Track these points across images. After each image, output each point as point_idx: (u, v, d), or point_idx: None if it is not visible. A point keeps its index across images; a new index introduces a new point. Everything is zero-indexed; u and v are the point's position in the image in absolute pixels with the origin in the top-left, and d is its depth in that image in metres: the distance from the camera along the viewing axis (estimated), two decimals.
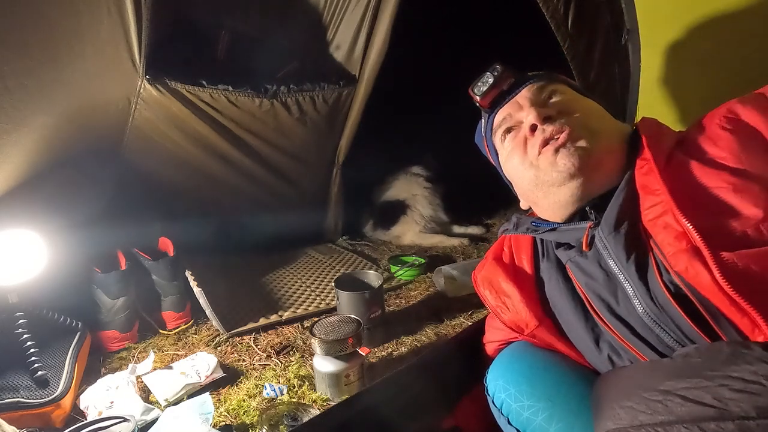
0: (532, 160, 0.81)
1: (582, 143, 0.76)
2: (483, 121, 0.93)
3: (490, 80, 0.86)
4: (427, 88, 2.63)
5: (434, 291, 1.68)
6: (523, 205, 0.93)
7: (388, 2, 1.66)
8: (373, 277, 1.47)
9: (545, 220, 0.87)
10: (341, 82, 1.79)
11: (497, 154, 0.91)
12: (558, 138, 0.77)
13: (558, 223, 0.83)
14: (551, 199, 0.81)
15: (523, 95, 0.85)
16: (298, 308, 1.55)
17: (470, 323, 1.42)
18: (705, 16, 1.21)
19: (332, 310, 1.51)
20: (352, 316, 1.21)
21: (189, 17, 1.72)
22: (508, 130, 0.86)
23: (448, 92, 1.74)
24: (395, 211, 2.24)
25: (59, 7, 1.04)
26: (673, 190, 0.65)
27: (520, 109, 0.84)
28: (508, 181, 0.93)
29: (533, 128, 0.80)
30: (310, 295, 1.65)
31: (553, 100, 0.83)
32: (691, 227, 0.60)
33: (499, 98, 0.87)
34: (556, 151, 0.76)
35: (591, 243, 0.75)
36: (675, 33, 1.30)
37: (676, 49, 1.31)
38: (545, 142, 0.78)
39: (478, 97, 0.87)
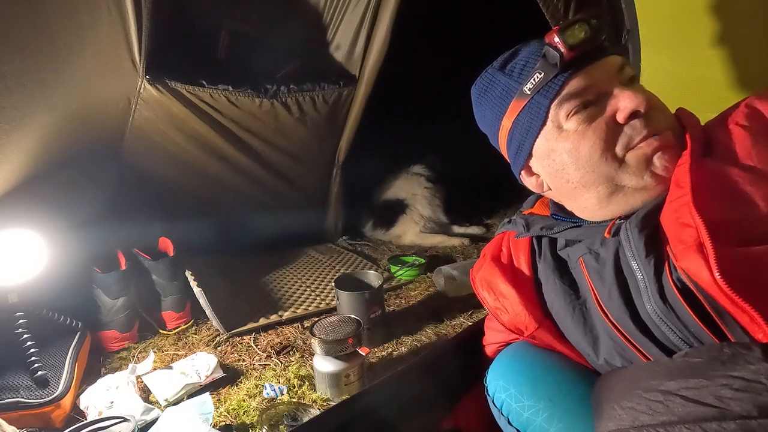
0: (619, 151, 0.69)
1: (679, 150, 0.68)
2: (518, 81, 0.76)
3: (587, 31, 0.68)
4: (428, 88, 2.64)
5: (434, 291, 1.68)
6: (552, 193, 0.82)
7: (388, 2, 1.67)
8: (373, 277, 1.47)
9: (568, 216, 0.80)
10: (341, 82, 1.79)
11: (540, 123, 0.74)
12: (664, 138, 0.68)
13: (585, 220, 0.78)
14: (612, 200, 0.72)
15: (612, 67, 0.72)
16: (298, 308, 1.55)
17: (470, 323, 1.42)
18: (705, 16, 1.21)
19: (332, 310, 1.50)
20: (352, 316, 1.20)
21: (189, 17, 1.72)
22: (586, 105, 0.70)
23: (449, 92, 1.74)
24: (395, 210, 2.24)
25: (59, 7, 1.04)
26: (695, 184, 0.62)
27: (607, 82, 0.71)
28: (529, 157, 0.78)
29: (635, 115, 0.68)
30: (310, 295, 1.65)
31: (636, 85, 0.73)
32: (701, 222, 0.59)
33: (582, 57, 0.70)
34: (662, 151, 0.68)
35: (614, 233, 0.71)
36: (675, 33, 1.31)
37: (676, 49, 1.31)
38: (644, 139, 0.68)
39: (565, 46, 0.68)
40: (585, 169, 0.71)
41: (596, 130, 0.69)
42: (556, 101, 0.72)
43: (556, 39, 0.69)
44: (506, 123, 0.78)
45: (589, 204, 0.75)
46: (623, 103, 0.68)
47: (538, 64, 0.73)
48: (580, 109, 0.70)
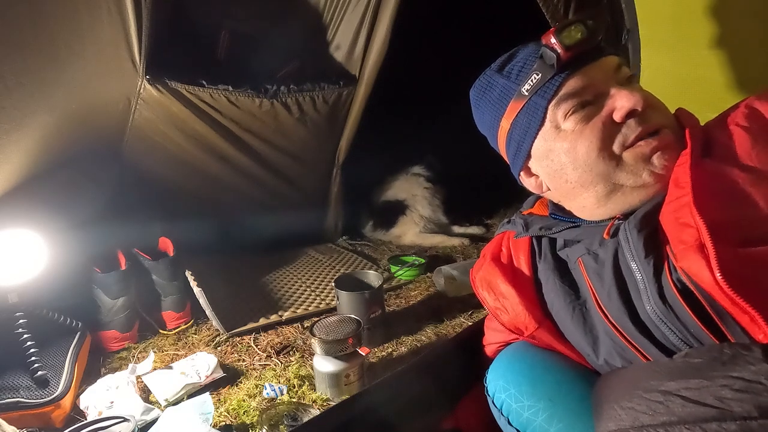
0: (616, 150, 0.69)
1: (678, 149, 0.69)
2: (516, 83, 0.76)
3: (583, 32, 0.69)
4: (428, 88, 2.63)
5: (434, 291, 1.68)
6: (551, 194, 0.81)
7: (388, 2, 1.67)
8: (373, 277, 1.47)
9: (567, 215, 0.80)
10: (341, 82, 1.79)
11: (538, 123, 0.74)
12: (663, 137, 0.68)
13: (584, 220, 0.78)
14: (610, 199, 0.72)
15: (609, 67, 0.72)
16: (298, 308, 1.55)
17: (470, 323, 1.42)
18: (705, 16, 1.21)
19: (332, 310, 1.50)
20: (352, 316, 1.20)
21: (189, 17, 1.72)
22: (584, 105, 0.71)
23: (449, 92, 1.74)
24: (394, 211, 2.24)
25: (59, 7, 1.04)
26: (696, 184, 0.62)
27: (604, 82, 0.71)
28: (527, 158, 0.79)
29: (631, 114, 0.68)
30: (310, 295, 1.65)
31: (633, 85, 0.73)
32: (702, 223, 0.58)
33: (579, 58, 0.71)
34: (661, 150, 0.68)
35: (613, 233, 0.71)
36: (675, 33, 1.31)
37: (676, 49, 1.31)
38: (640, 137, 0.68)
39: (562, 47, 0.69)
40: (583, 168, 0.72)
41: (593, 130, 0.70)
42: (553, 102, 0.72)
43: (553, 40, 0.69)
44: (505, 124, 0.79)
45: (587, 203, 0.76)
46: (620, 102, 0.69)
47: (535, 65, 0.73)
48: (578, 109, 0.71)
